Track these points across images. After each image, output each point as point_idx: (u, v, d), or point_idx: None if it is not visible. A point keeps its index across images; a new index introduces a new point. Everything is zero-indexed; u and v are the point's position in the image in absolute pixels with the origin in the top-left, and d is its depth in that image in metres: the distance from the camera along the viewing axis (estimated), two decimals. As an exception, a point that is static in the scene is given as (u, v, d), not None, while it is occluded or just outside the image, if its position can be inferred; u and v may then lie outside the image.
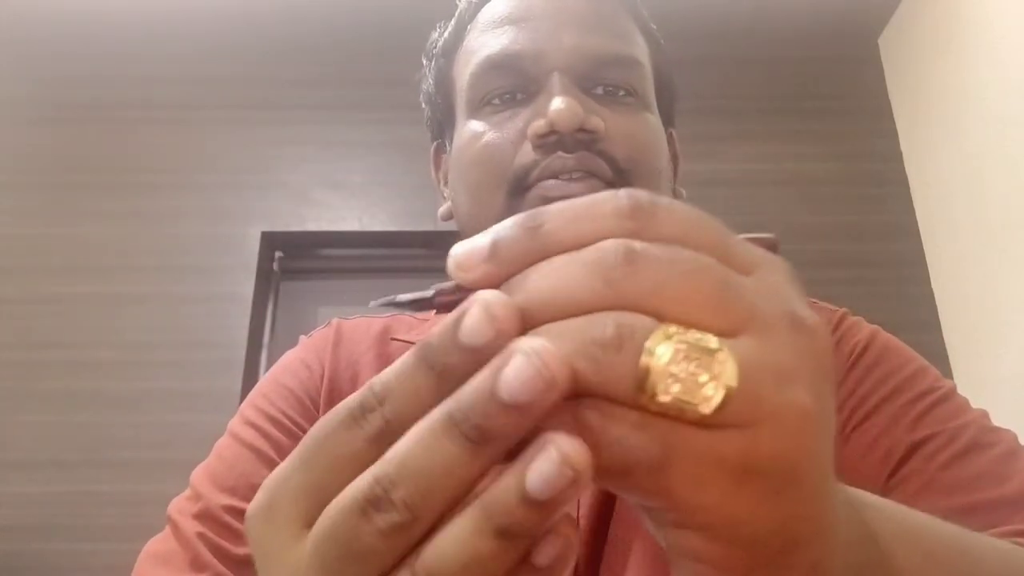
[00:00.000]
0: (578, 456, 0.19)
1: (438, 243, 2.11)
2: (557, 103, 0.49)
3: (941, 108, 2.08)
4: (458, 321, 0.20)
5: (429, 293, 0.24)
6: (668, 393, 0.19)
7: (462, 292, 0.22)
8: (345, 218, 2.16)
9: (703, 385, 0.19)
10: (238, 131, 2.24)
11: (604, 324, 0.19)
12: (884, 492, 0.46)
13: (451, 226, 0.60)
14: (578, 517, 0.47)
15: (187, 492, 0.53)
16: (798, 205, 2.19)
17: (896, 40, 2.31)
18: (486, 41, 0.56)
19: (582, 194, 0.56)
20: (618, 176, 0.51)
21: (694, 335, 0.19)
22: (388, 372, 0.21)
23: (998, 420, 0.50)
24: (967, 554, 0.30)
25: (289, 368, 0.58)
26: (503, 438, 0.19)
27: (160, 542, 0.50)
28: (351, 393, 0.22)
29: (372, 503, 0.20)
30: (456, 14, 0.61)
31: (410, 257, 2.18)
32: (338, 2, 2.29)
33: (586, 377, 0.19)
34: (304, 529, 0.21)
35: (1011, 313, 1.78)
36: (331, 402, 0.54)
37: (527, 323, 0.20)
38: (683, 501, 0.20)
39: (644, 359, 0.19)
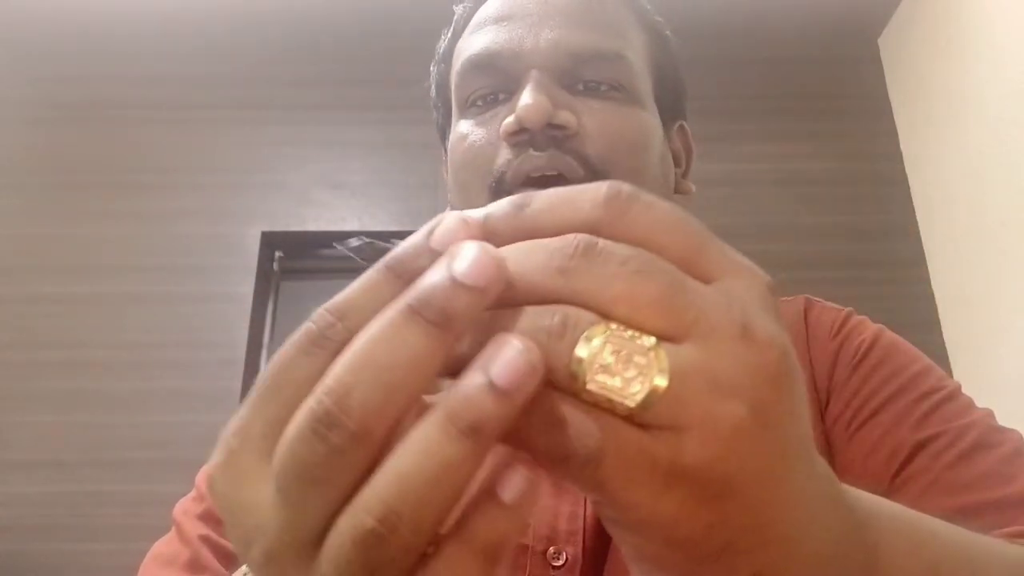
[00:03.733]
0: (534, 346, 0.19)
1: (438, 243, 2.11)
2: (524, 99, 0.49)
3: (941, 108, 2.08)
4: (430, 230, 0.22)
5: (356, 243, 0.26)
6: (596, 383, 0.19)
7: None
8: (345, 218, 2.16)
9: (630, 380, 0.19)
10: (238, 131, 2.24)
11: (553, 313, 0.20)
12: (889, 491, 0.46)
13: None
14: (584, 515, 0.47)
15: (192, 493, 0.53)
16: (797, 205, 2.19)
17: (896, 40, 2.31)
18: (471, 42, 0.56)
19: None
20: (591, 176, 0.50)
21: (632, 333, 0.20)
22: (348, 289, 0.22)
23: (998, 420, 0.50)
24: (973, 562, 0.30)
25: None
26: (461, 323, 0.20)
27: (165, 543, 0.51)
28: None
29: (323, 418, 0.19)
30: (454, 20, 0.61)
31: (410, 257, 2.17)
32: (338, 2, 2.29)
33: None
34: (268, 468, 0.20)
35: (1011, 313, 1.78)
36: None
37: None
38: (616, 497, 0.20)
39: (579, 349, 0.20)
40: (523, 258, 0.21)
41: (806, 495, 0.22)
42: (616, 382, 0.19)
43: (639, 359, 0.20)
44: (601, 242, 0.21)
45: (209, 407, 1.87)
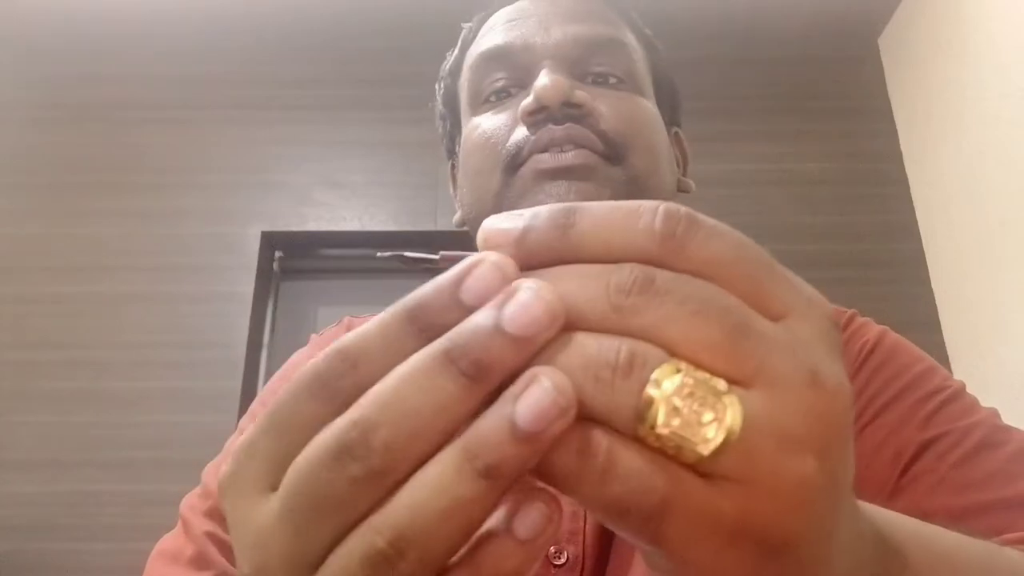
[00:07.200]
0: (567, 387, 0.18)
1: (438, 243, 2.11)
2: (542, 79, 0.51)
3: (941, 108, 2.08)
4: (459, 279, 0.20)
5: (435, 256, 0.25)
6: (668, 426, 0.18)
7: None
8: (345, 218, 2.16)
9: (705, 425, 0.18)
10: (238, 131, 2.24)
11: (617, 348, 0.19)
12: (895, 492, 0.46)
13: (451, 226, 0.62)
14: (585, 514, 0.47)
15: (198, 489, 0.53)
16: (798, 205, 2.19)
17: (896, 40, 2.31)
18: (482, 43, 0.59)
19: (574, 163, 0.55)
20: (609, 148, 0.51)
21: (703, 375, 0.18)
22: (362, 333, 0.20)
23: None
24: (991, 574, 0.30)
25: (298, 366, 0.58)
26: (500, 375, 0.19)
27: (171, 539, 0.51)
28: None
29: (346, 449, 0.19)
30: (460, 38, 0.64)
31: (410, 257, 2.17)
32: (338, 2, 2.29)
33: (591, 399, 0.19)
34: (271, 491, 0.20)
35: (1011, 313, 1.78)
36: None
37: None
38: (675, 553, 0.19)
39: (649, 389, 0.18)
40: (572, 290, 0.19)
41: (849, 542, 0.22)
42: (689, 427, 0.18)
43: (714, 403, 0.18)
44: (659, 277, 0.19)
45: (208, 407, 1.87)
